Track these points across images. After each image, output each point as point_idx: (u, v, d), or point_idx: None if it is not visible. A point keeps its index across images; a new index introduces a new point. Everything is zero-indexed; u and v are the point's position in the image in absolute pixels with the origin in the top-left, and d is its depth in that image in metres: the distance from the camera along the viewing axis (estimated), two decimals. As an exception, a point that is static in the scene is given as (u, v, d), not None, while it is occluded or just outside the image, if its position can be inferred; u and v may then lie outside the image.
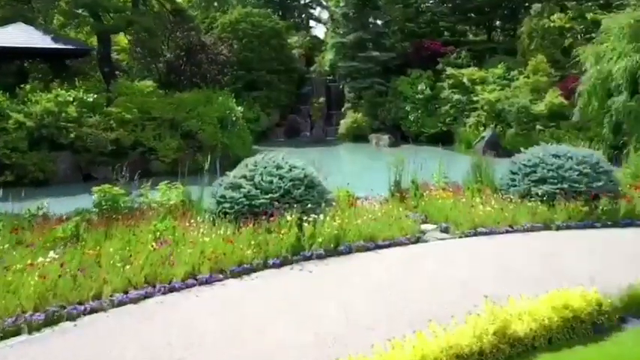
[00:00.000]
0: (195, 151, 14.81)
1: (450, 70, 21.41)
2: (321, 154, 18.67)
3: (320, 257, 5.75)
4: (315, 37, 32.39)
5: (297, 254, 5.69)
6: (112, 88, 15.43)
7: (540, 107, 17.77)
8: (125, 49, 21.94)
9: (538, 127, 17.65)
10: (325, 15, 36.55)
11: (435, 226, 7.15)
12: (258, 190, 6.33)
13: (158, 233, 5.59)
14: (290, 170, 6.63)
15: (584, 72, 16.63)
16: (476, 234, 6.77)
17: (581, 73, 17.49)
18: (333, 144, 21.88)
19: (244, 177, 6.56)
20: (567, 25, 19.94)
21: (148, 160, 14.19)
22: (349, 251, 5.95)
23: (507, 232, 6.90)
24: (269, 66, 23.69)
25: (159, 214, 6.66)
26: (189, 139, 14.99)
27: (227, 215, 6.28)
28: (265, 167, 6.62)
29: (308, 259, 5.70)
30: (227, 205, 6.31)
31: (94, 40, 19.53)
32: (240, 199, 6.26)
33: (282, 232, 5.77)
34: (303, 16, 38.38)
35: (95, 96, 13.94)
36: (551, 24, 19.99)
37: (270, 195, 6.27)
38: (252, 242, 5.59)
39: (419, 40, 24.32)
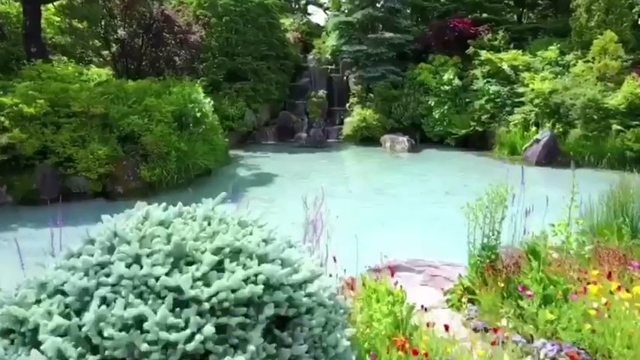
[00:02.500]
0: (138, 161, 10.22)
1: (484, 55, 16.79)
2: (320, 164, 14.02)
3: None
4: (316, 24, 27.79)
5: None
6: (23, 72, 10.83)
7: (617, 100, 13.16)
8: (77, 29, 17.28)
9: (615, 126, 13.03)
10: (326, -2, 31.93)
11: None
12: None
13: None
14: (228, 259, 2.01)
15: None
16: None
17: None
18: (335, 148, 17.26)
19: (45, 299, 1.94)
20: (641, -5, 15.36)
21: (65, 175, 9.57)
22: None
23: None
24: (256, 51, 19.07)
25: None
26: (131, 143, 10.38)
27: None
28: (135, 257, 1.99)
29: None
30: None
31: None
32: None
33: None
34: (302, 1, 33.77)
35: (-16, 81, 9.35)
36: (620, -7, 15.40)
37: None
38: None
39: (442, 20, 19.71)
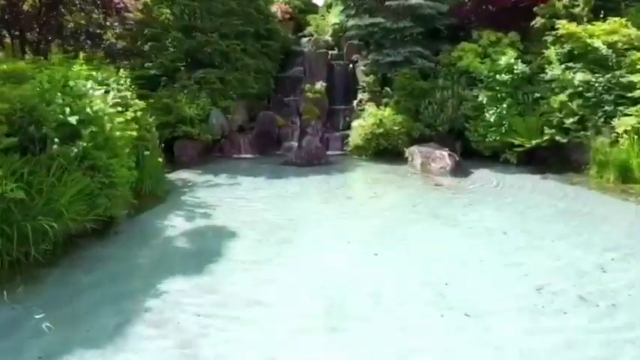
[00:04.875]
0: None
1: (564, 27, 11.14)
2: (314, 203, 7.95)
3: None
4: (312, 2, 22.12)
5: None
6: None
7: None
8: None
9: None
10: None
11: None
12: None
13: None
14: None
15: None
16: None
17: None
18: (339, 167, 11.63)
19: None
20: None
21: None
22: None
23: None
24: (226, 25, 13.44)
25: None
26: None
27: None
28: None
29: None
30: None
31: None
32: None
33: None
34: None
35: None
36: None
37: None
38: None
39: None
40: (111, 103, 6.82)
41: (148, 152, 8.38)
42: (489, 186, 9.37)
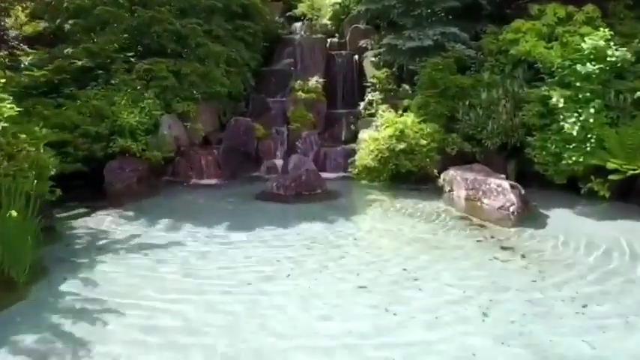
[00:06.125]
0: None
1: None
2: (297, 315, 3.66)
3: None
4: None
5: None
6: None
7: None
8: None
9: None
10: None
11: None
12: None
13: None
14: None
15: None
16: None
17: None
18: (340, 204, 7.85)
19: None
20: None
21: None
22: None
23: None
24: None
25: None
26: None
27: None
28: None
29: None
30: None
31: None
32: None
33: None
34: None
35: None
36: None
37: None
38: None
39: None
40: None
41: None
42: (598, 251, 5.51)
